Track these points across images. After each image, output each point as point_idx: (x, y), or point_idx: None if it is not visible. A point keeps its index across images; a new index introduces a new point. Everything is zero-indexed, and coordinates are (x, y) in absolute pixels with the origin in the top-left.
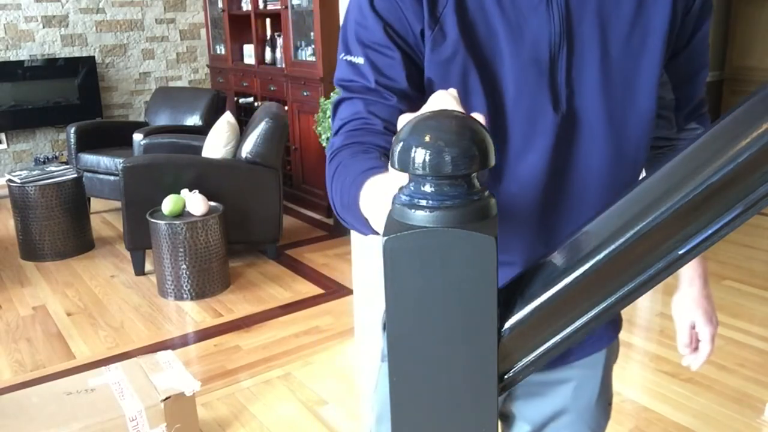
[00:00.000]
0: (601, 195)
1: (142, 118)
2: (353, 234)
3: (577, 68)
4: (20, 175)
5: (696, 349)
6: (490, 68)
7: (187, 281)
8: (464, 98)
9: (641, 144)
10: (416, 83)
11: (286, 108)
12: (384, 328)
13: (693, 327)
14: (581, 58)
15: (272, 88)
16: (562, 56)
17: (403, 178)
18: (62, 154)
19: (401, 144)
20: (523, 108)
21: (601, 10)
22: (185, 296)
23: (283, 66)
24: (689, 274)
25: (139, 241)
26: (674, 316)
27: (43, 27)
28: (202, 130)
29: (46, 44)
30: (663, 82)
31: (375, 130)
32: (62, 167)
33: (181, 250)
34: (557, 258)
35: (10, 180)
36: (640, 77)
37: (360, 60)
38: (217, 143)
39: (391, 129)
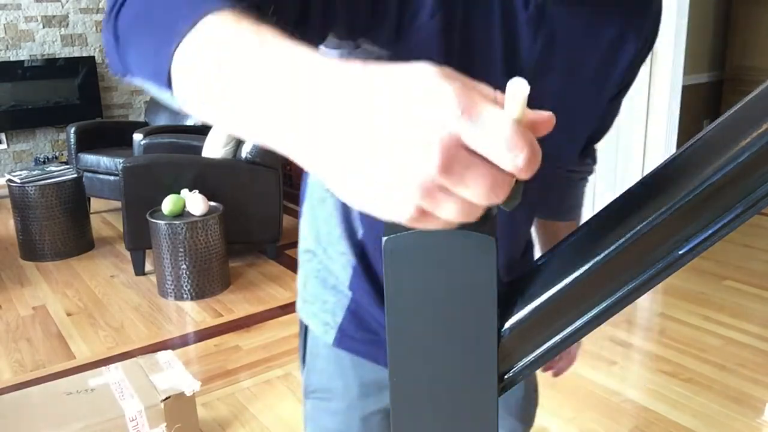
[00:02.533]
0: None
1: (142, 118)
2: None
3: (539, 96)
4: (20, 175)
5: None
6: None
7: (187, 281)
8: None
9: (562, 177)
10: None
11: None
12: (303, 359)
13: None
14: (545, 88)
15: None
16: (531, 81)
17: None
18: (62, 154)
19: None
20: None
21: (577, 47)
22: (185, 296)
23: None
24: None
25: (139, 241)
26: None
27: (43, 27)
28: (202, 130)
29: (46, 44)
30: None
31: None
32: (62, 167)
33: (181, 250)
34: (557, 258)
35: (10, 180)
36: (584, 117)
37: None
38: (217, 143)
39: None
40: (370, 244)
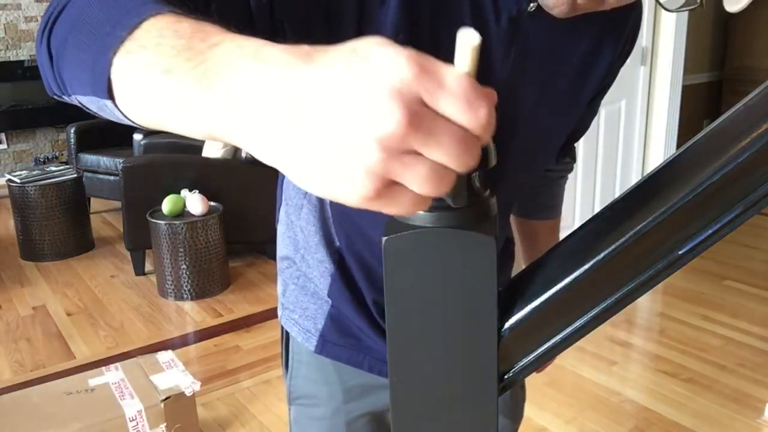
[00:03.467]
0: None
1: None
2: None
3: (510, 111)
4: (20, 175)
5: None
6: None
7: (187, 281)
8: None
9: (538, 177)
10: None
11: None
12: (286, 366)
13: None
14: (516, 103)
15: None
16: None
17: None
18: (62, 154)
19: None
20: None
21: (551, 60)
22: (185, 296)
23: None
24: None
25: (139, 241)
26: None
27: None
28: None
29: None
30: None
31: None
32: (62, 167)
33: (181, 250)
34: (557, 258)
35: (10, 180)
36: (560, 124)
37: None
38: (217, 143)
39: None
40: (348, 252)
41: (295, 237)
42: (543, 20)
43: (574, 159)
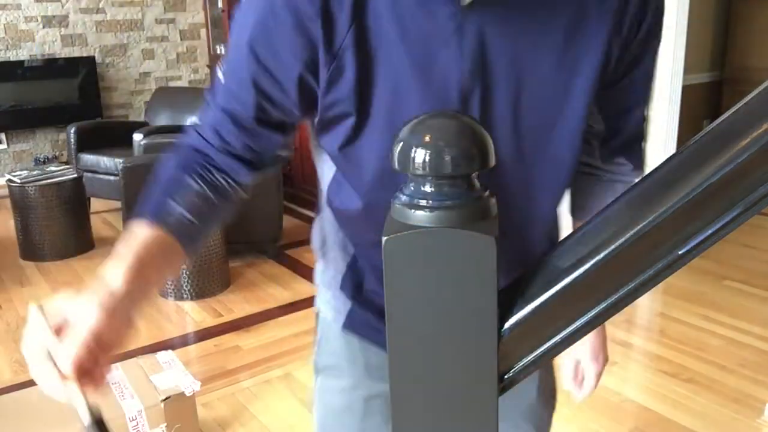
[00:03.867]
0: (513, 240)
1: (142, 118)
2: None
3: (489, 112)
4: (20, 175)
5: (582, 382)
6: (391, 111)
7: (187, 281)
8: (353, 140)
9: (556, 191)
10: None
11: None
12: (316, 342)
13: (579, 362)
14: (492, 102)
15: None
16: (474, 98)
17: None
18: (62, 154)
19: (401, 144)
20: None
21: (520, 46)
22: (185, 296)
23: None
24: None
25: None
26: None
27: (43, 27)
28: None
29: (46, 44)
30: (591, 112)
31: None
32: (62, 167)
33: None
34: (557, 258)
35: (10, 180)
36: (561, 122)
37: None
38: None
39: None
40: (360, 259)
41: (323, 231)
42: (492, 6)
43: (633, 164)
